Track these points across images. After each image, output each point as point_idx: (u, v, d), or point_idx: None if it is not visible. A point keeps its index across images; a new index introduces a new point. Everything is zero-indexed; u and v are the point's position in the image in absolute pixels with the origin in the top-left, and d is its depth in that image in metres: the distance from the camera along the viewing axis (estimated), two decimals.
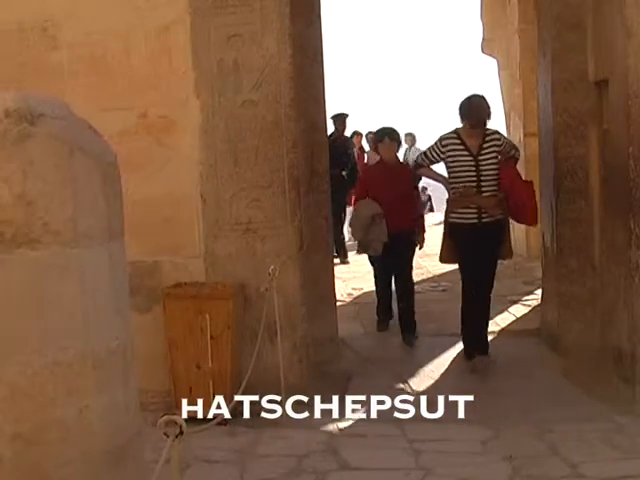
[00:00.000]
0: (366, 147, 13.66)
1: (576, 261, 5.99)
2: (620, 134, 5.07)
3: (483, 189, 6.00)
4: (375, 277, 7.43)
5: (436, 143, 6.20)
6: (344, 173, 10.56)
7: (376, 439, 4.74)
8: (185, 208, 5.33)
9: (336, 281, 6.62)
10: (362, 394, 5.46)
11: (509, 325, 7.25)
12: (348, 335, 6.81)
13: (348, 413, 5.15)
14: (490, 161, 6.03)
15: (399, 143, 7.34)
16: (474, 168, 6.02)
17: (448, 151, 6.11)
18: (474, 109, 6.11)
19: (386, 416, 5.10)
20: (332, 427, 4.91)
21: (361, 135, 13.58)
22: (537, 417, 4.84)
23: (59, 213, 2.12)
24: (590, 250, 5.91)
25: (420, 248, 7.11)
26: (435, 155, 6.21)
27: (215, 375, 4.96)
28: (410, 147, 15.70)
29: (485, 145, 6.07)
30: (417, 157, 6.60)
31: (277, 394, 5.00)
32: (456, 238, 6.12)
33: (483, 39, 11.88)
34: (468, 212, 6.05)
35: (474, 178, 6.02)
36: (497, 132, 6.30)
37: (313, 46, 6.11)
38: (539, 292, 7.08)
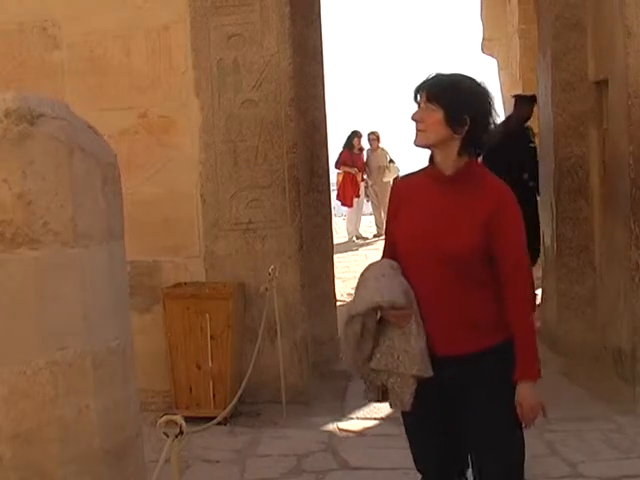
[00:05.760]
0: (366, 146, 13.63)
1: (576, 261, 5.98)
2: (620, 134, 5.07)
3: None
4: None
5: None
6: (525, 176, 7.10)
7: (376, 439, 4.74)
8: (185, 208, 5.33)
9: (336, 281, 6.60)
10: (362, 394, 5.46)
11: None
12: None
13: (348, 413, 5.16)
14: None
15: (461, 113, 2.63)
16: None
17: None
18: None
19: (386, 416, 5.11)
20: (332, 427, 4.91)
21: (361, 136, 13.49)
22: None
23: (59, 213, 2.12)
24: (590, 250, 5.91)
25: (525, 425, 2.71)
26: None
27: (215, 375, 4.96)
28: None
29: None
30: None
31: (277, 394, 5.01)
32: None
33: (483, 39, 11.90)
34: None
35: None
36: None
37: (313, 46, 6.11)
38: (539, 292, 7.08)
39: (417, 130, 2.69)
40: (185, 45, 5.24)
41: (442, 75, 2.71)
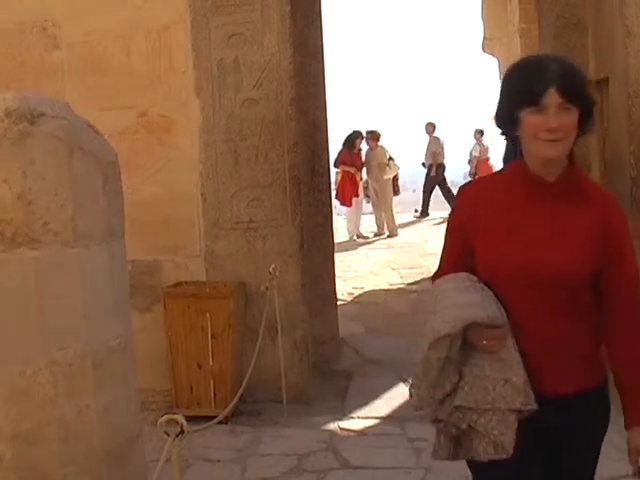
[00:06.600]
0: (365, 146, 13.56)
1: None
2: (620, 133, 5.07)
3: None
4: None
5: None
6: None
7: (377, 438, 4.74)
8: (186, 207, 5.33)
9: (337, 280, 6.60)
10: (362, 393, 5.46)
11: None
12: (349, 334, 6.80)
13: (348, 412, 5.16)
14: None
15: (592, 110, 2.21)
16: None
17: None
18: None
19: (387, 415, 5.11)
20: (333, 426, 4.91)
21: (363, 137, 13.35)
22: None
23: (59, 213, 2.12)
24: None
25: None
26: None
27: (216, 374, 4.96)
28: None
29: None
30: None
31: (278, 393, 5.01)
32: None
33: (484, 38, 11.91)
34: None
35: None
36: None
37: (313, 45, 6.11)
38: None
39: (552, 140, 2.12)
40: (185, 45, 5.24)
41: (560, 65, 2.15)
